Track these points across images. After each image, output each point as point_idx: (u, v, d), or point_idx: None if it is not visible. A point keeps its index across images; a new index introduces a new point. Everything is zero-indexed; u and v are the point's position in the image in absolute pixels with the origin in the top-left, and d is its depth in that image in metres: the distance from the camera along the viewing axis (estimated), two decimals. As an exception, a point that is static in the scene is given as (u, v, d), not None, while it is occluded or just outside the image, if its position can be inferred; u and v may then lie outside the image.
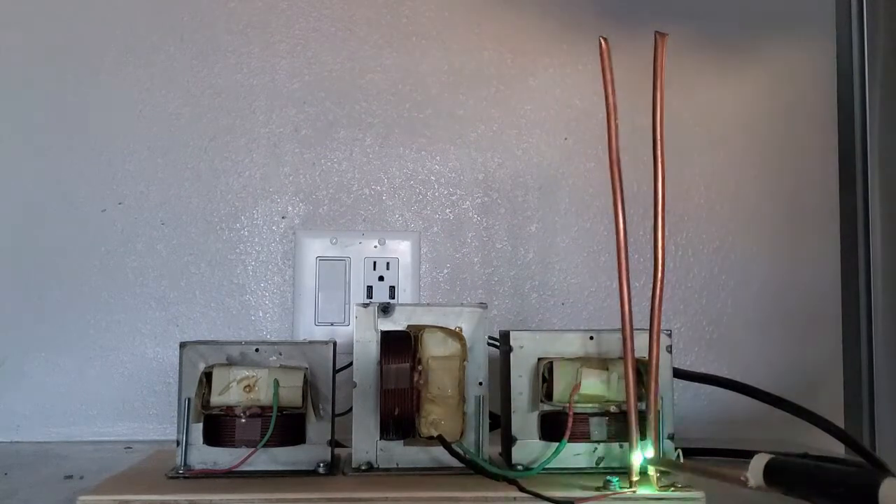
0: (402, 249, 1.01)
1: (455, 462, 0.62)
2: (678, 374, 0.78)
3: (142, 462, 0.72)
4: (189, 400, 0.65)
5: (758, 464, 0.45)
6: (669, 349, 0.68)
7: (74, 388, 0.97)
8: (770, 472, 0.44)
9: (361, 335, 0.67)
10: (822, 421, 0.80)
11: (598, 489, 0.59)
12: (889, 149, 1.02)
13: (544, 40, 1.05)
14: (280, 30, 1.03)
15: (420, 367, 0.65)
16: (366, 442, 0.66)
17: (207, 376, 0.65)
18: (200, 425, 0.65)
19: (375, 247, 1.00)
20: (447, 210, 1.03)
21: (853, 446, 0.78)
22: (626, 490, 0.59)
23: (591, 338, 0.69)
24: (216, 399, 0.65)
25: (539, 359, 0.68)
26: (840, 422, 1.01)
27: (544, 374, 0.67)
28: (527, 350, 0.68)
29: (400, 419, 0.63)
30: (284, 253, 1.01)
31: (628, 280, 0.61)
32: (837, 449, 0.82)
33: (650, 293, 0.60)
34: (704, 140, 1.06)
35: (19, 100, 1.00)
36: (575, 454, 0.66)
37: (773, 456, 0.45)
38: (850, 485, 0.40)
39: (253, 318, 1.00)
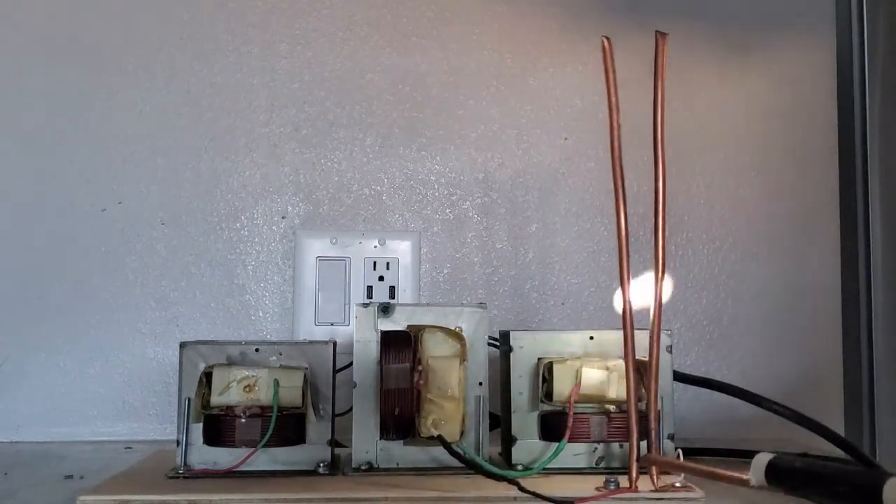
0: (402, 249, 1.01)
1: (455, 462, 0.62)
2: (678, 377, 0.78)
3: (142, 462, 0.72)
4: (189, 400, 0.65)
5: (760, 462, 0.45)
6: (669, 349, 0.68)
7: (74, 388, 0.97)
8: (772, 471, 0.44)
9: (361, 335, 0.67)
10: (821, 428, 0.79)
11: (598, 489, 0.59)
12: (889, 149, 1.02)
13: (544, 40, 1.05)
14: (280, 30, 1.03)
15: (420, 367, 0.65)
16: (366, 442, 0.66)
17: (207, 376, 0.65)
18: (200, 425, 0.65)
19: (375, 247, 1.00)
20: (447, 210, 1.03)
21: (853, 453, 0.78)
22: (625, 490, 0.59)
23: (591, 338, 0.69)
24: (216, 399, 0.65)
25: (539, 359, 0.68)
26: (840, 423, 1.01)
27: (544, 374, 0.67)
28: (527, 350, 0.68)
29: (400, 419, 0.63)
30: (284, 253, 1.01)
31: (629, 280, 0.61)
32: (837, 453, 0.82)
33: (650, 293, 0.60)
34: (705, 140, 1.05)
35: (19, 99, 1.00)
36: (575, 454, 0.66)
37: (775, 455, 0.44)
38: (853, 484, 0.40)
39: (253, 318, 1.00)
